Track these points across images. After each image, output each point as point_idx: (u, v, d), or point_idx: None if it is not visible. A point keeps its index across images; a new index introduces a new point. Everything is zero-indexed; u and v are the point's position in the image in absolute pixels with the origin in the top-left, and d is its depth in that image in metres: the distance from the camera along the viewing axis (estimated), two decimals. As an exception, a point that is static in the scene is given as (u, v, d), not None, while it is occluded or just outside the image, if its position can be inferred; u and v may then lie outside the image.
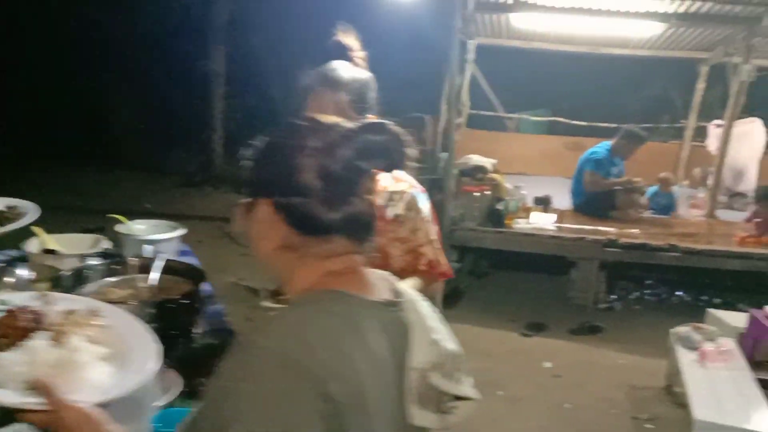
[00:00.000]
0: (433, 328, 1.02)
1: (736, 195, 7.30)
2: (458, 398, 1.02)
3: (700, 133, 8.98)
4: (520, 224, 5.59)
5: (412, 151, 1.01)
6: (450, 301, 5.31)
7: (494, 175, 5.81)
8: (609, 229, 5.62)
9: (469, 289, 5.68)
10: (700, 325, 3.98)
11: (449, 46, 5.53)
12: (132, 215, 2.67)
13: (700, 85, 8.32)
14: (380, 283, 1.03)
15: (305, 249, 0.97)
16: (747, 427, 2.94)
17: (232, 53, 10.16)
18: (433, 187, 4.68)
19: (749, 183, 7.26)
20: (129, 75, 10.28)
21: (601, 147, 6.19)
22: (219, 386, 0.87)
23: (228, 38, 10.06)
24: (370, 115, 1.71)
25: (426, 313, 1.04)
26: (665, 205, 6.69)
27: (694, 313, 4.79)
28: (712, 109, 9.67)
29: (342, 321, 0.92)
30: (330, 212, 0.95)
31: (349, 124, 1.00)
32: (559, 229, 5.61)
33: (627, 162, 6.25)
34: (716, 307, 5.42)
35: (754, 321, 3.78)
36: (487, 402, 3.87)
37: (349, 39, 1.88)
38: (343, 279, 0.97)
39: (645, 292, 5.77)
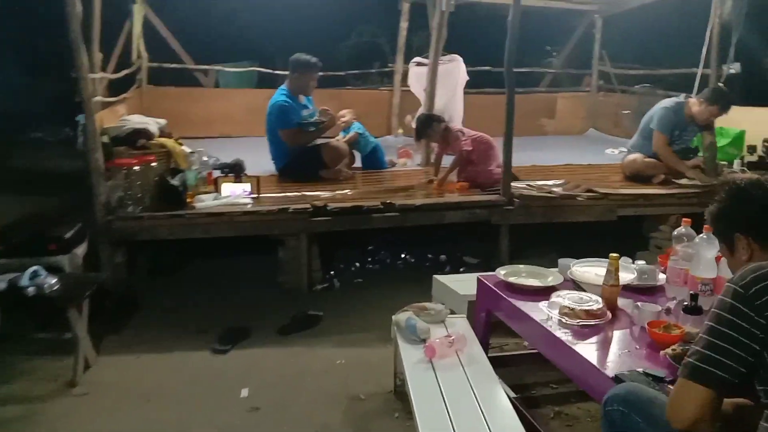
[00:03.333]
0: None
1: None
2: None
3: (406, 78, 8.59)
4: (205, 201, 4.27)
5: None
6: (117, 316, 3.84)
7: (164, 140, 4.37)
8: (317, 194, 4.61)
9: (149, 293, 4.25)
10: (424, 305, 3.13)
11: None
12: None
13: (404, 24, 7.80)
14: None
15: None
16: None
17: None
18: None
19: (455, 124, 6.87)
20: None
21: (279, 93, 5.19)
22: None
23: None
24: None
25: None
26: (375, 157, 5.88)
27: (422, 278, 4.08)
28: (419, 52, 9.37)
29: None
30: None
31: None
32: (256, 201, 4.43)
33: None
34: (443, 266, 4.85)
35: (484, 289, 3.03)
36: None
37: None
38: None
39: (368, 261, 4.94)
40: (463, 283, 3.63)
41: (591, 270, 2.92)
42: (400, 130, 7.49)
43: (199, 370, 3.36)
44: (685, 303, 2.47)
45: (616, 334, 2.43)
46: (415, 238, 5.08)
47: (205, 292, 4.37)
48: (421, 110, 6.80)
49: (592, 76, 8.50)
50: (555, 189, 4.84)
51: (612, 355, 2.26)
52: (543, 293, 2.77)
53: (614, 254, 2.66)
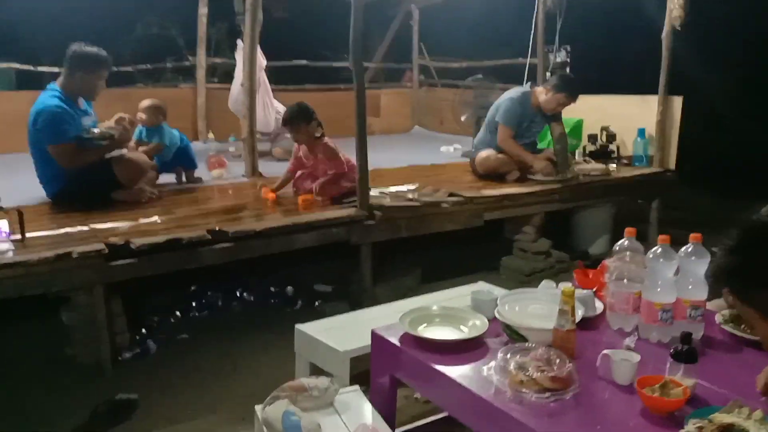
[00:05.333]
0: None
1: (279, 136, 5.86)
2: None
3: (214, 72, 7.43)
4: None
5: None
6: None
7: None
8: (112, 226, 3.36)
9: None
10: (301, 383, 2.15)
11: None
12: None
13: (203, 11, 6.61)
14: None
15: None
16: None
17: None
18: None
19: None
20: None
21: (49, 95, 3.82)
22: None
23: None
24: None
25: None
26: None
27: (271, 321, 3.26)
28: (219, 46, 8.23)
29: None
30: None
31: None
32: (21, 246, 3.06)
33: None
34: (293, 301, 3.88)
35: (384, 348, 2.15)
36: None
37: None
38: None
39: (192, 306, 3.77)
40: (338, 333, 2.71)
41: (523, 306, 2.19)
42: (210, 135, 6.30)
43: None
44: (675, 347, 1.82)
45: (595, 402, 1.71)
46: (250, 266, 4.03)
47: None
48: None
49: (413, 71, 8.05)
50: (410, 195, 4.13)
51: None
52: (471, 348, 1.99)
53: (567, 286, 1.96)
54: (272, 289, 3.96)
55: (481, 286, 3.42)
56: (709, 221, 5.90)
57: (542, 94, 4.68)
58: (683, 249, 2.11)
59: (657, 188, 5.11)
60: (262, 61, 5.49)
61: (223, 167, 4.96)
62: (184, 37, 8.19)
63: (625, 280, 2.17)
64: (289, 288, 3.97)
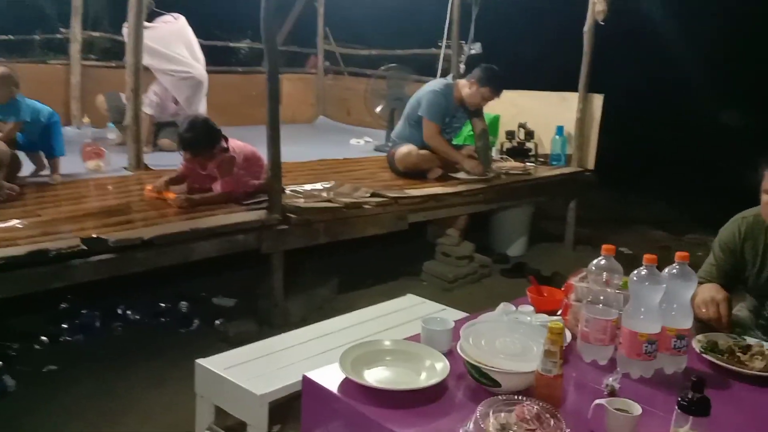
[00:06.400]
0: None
1: (165, 126, 5.14)
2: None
3: (91, 48, 6.54)
4: None
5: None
6: None
7: None
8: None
9: None
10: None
11: None
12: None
13: (79, -24, 5.74)
14: None
15: None
16: None
17: None
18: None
19: (178, 108, 5.18)
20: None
21: None
22: None
23: None
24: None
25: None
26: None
27: (162, 347, 2.81)
28: (100, 20, 7.29)
29: None
30: None
31: None
32: None
33: None
34: (187, 320, 3.30)
35: (320, 398, 1.69)
36: None
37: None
38: None
39: (62, 330, 3.09)
40: (250, 369, 2.22)
41: (490, 341, 1.80)
42: (86, 119, 5.45)
43: None
44: (686, 397, 1.50)
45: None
46: (133, 278, 3.39)
47: None
48: (155, 89, 4.98)
49: (318, 57, 7.52)
50: (326, 194, 3.67)
51: None
52: (432, 397, 1.60)
53: (555, 321, 1.61)
54: (162, 305, 3.35)
55: (411, 299, 3.04)
56: (622, 219, 5.99)
57: (466, 88, 4.37)
58: (667, 270, 1.84)
59: (576, 188, 4.97)
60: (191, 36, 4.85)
61: (101, 158, 4.21)
62: (57, 8, 7.17)
63: (600, 305, 1.86)
64: (183, 304, 3.38)
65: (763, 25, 6.06)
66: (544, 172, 4.82)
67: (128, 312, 3.25)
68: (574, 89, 4.96)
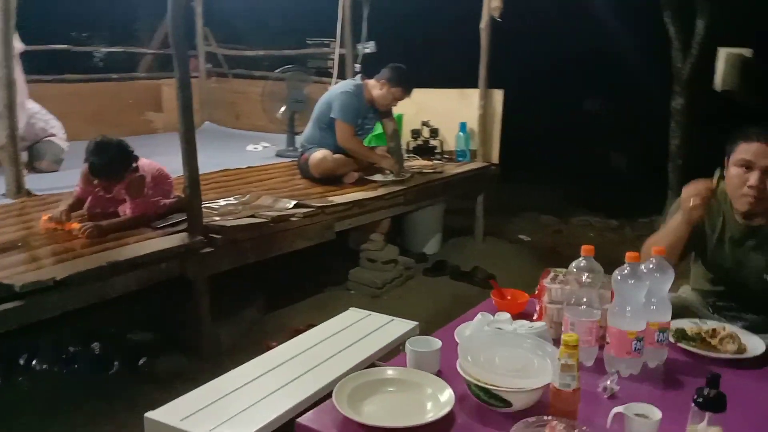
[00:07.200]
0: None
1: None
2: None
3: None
4: None
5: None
6: None
7: None
8: None
9: None
10: None
11: None
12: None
13: None
14: None
15: None
16: None
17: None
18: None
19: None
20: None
21: None
22: None
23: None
24: None
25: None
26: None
27: (77, 400, 2.45)
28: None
29: None
30: None
31: None
32: None
33: None
34: (106, 362, 2.91)
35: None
36: None
37: None
38: None
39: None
40: (209, 418, 1.96)
41: (489, 358, 1.71)
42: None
43: None
44: (701, 394, 1.50)
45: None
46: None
47: None
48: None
49: (199, 59, 7.08)
50: (242, 209, 3.42)
51: None
52: (442, 428, 1.50)
53: (569, 334, 1.56)
54: (71, 348, 2.94)
55: (356, 313, 2.88)
56: (517, 208, 6.19)
57: (376, 89, 4.27)
58: (644, 265, 1.86)
59: (483, 183, 5.06)
60: (18, 45, 4.19)
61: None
62: None
63: (583, 307, 1.85)
64: (96, 344, 2.99)
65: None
66: (453, 169, 4.85)
67: (33, 361, 2.80)
68: (472, 85, 5.04)
